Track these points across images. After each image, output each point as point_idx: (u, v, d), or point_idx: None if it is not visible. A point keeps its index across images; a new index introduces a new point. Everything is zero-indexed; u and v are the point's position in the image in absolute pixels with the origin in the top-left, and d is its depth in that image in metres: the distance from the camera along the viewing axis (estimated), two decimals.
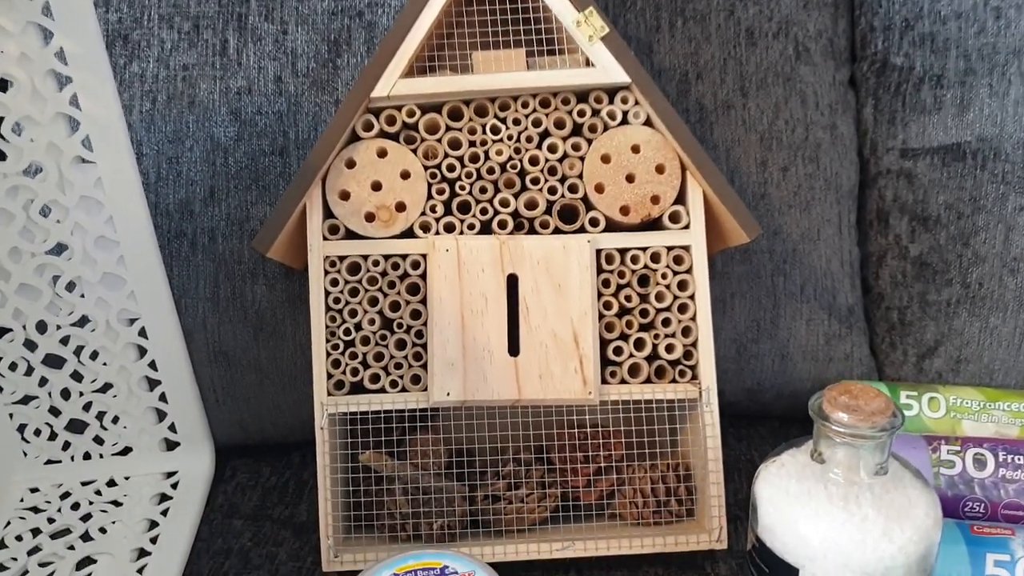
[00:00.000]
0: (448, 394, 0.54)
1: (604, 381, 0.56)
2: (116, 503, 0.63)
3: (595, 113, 0.57)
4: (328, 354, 0.56)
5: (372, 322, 0.56)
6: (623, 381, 0.56)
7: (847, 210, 0.74)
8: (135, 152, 0.67)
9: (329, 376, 0.55)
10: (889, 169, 0.75)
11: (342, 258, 0.56)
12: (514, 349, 0.55)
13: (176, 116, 0.68)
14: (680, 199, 0.57)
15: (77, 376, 0.64)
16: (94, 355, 0.64)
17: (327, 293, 0.56)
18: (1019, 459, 0.58)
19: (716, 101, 0.71)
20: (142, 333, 0.64)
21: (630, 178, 0.57)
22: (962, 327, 0.71)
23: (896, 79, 0.74)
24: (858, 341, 0.73)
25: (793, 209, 0.71)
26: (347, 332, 0.56)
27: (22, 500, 0.64)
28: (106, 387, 0.65)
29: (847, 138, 0.75)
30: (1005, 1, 0.69)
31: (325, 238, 0.56)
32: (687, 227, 0.57)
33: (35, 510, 0.62)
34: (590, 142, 0.57)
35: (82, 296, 0.63)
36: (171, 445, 0.67)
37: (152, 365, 0.65)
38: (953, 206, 0.71)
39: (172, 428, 0.67)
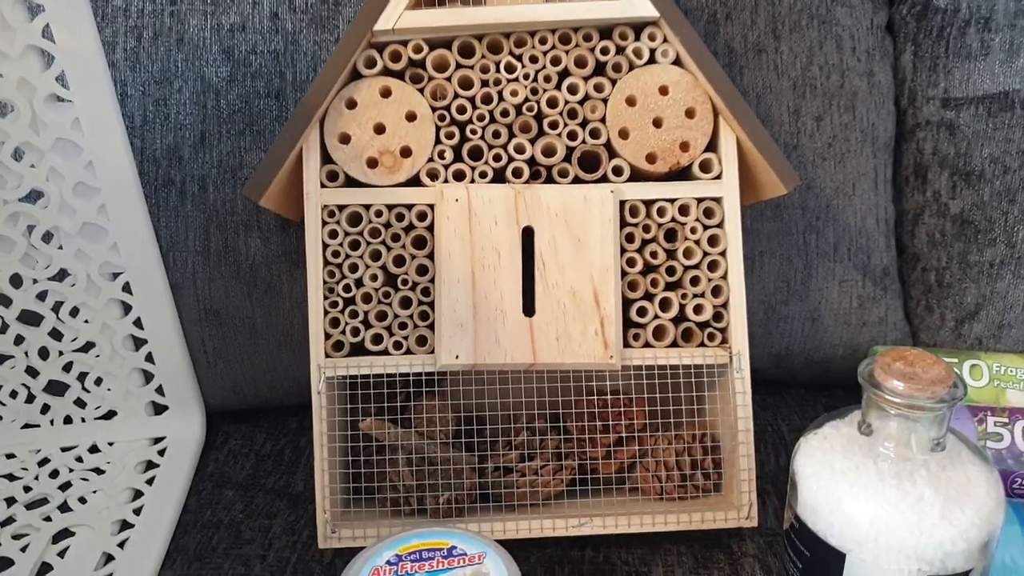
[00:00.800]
0: (457, 357, 0.49)
1: (627, 344, 0.51)
2: (98, 471, 0.59)
3: (620, 51, 0.52)
4: (326, 312, 0.51)
5: (374, 278, 0.51)
6: (647, 344, 0.51)
7: (883, 164, 0.69)
8: (119, 94, 0.62)
9: (327, 336, 0.51)
10: (929, 120, 0.69)
11: (341, 207, 0.51)
12: (529, 309, 0.50)
13: (163, 54, 0.62)
14: (711, 146, 0.53)
15: (56, 334, 0.60)
16: (74, 312, 0.60)
17: (325, 246, 0.51)
18: None
19: (746, 44, 0.66)
20: (126, 288, 0.60)
21: (657, 123, 0.52)
22: (1006, 290, 0.67)
23: (939, 22, 0.69)
24: (893, 304, 0.68)
25: (827, 161, 0.66)
26: (347, 288, 0.51)
27: None
28: (88, 346, 0.61)
29: (884, 86, 0.69)
30: None
31: (323, 185, 0.51)
32: (719, 177, 0.52)
33: (10, 477, 0.58)
34: (614, 83, 0.52)
35: (60, 248, 0.58)
36: (159, 409, 0.63)
37: (137, 323, 0.61)
38: (999, 159, 0.66)
39: (159, 391, 0.63)
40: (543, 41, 0.52)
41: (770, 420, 0.66)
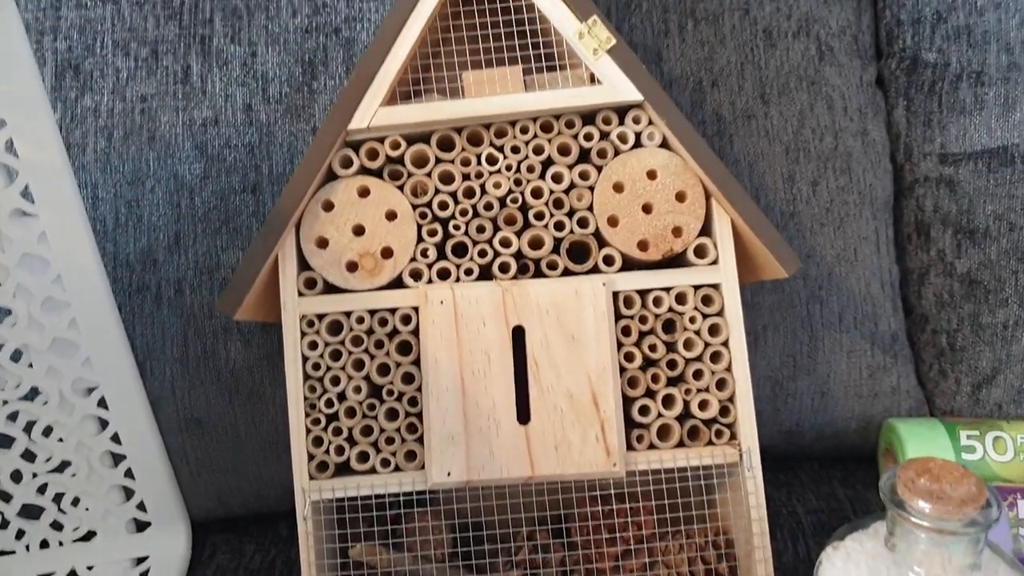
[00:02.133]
0: (449, 474, 0.46)
1: (630, 447, 0.48)
2: None
3: (604, 136, 0.50)
4: (308, 430, 0.48)
5: (358, 390, 0.48)
6: (651, 446, 0.49)
7: (884, 224, 0.67)
8: (89, 197, 0.60)
9: (310, 457, 0.48)
10: (927, 176, 0.67)
11: (321, 316, 0.49)
12: (524, 416, 0.47)
13: (135, 154, 0.61)
14: (706, 230, 0.50)
15: (29, 455, 0.57)
16: (47, 431, 0.57)
17: (305, 359, 0.48)
18: None
19: (735, 110, 0.64)
20: (102, 403, 0.57)
21: (647, 208, 0.50)
22: (1023, 353, 0.64)
23: (929, 77, 0.67)
24: (904, 371, 0.66)
25: (826, 227, 0.64)
26: (329, 403, 0.48)
27: None
28: (63, 466, 0.58)
29: (879, 144, 0.67)
30: None
31: (301, 294, 0.49)
32: (715, 262, 0.50)
33: None
34: (600, 169, 0.50)
35: (30, 366, 0.55)
36: (141, 526, 0.60)
37: (115, 438, 0.58)
38: (1004, 216, 0.64)
39: (141, 507, 0.59)
40: (524, 130, 0.50)
41: (784, 501, 0.63)
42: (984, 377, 0.65)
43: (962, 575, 0.36)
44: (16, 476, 0.57)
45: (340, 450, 0.48)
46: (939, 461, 0.37)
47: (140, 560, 0.59)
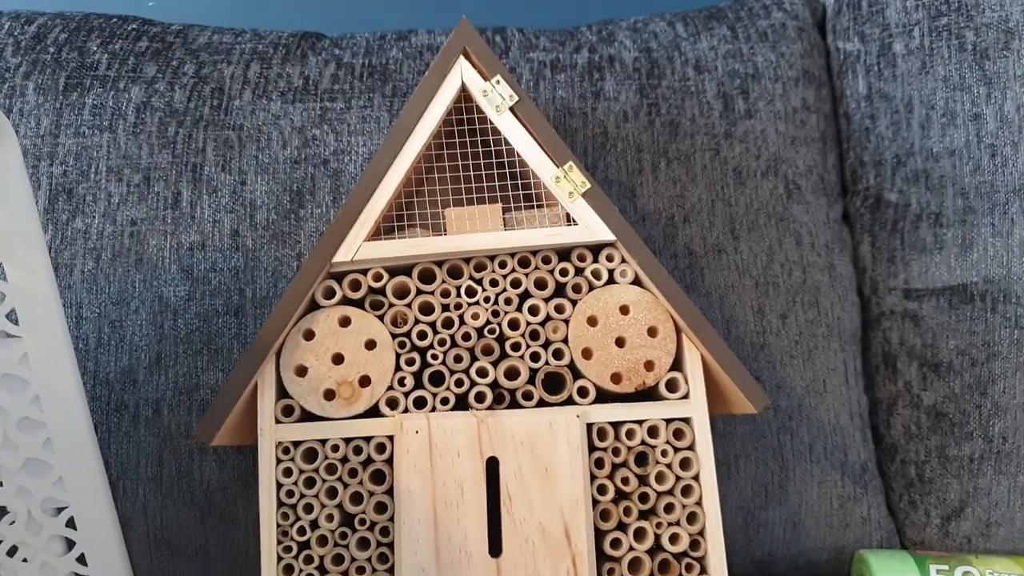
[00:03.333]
0: None
1: None
2: None
3: (579, 272, 0.52)
4: (280, 558, 0.48)
5: (330, 518, 0.49)
6: None
7: (852, 356, 0.69)
8: (73, 316, 0.61)
9: None
10: (893, 310, 0.70)
11: (297, 444, 0.49)
12: (495, 548, 0.47)
13: (121, 275, 0.62)
14: (677, 365, 0.52)
15: None
16: (12, 551, 0.56)
17: (279, 485, 0.49)
18: None
19: (706, 244, 0.66)
20: (70, 523, 0.56)
21: (620, 342, 0.51)
22: (989, 486, 0.65)
23: (892, 216, 0.71)
24: (875, 502, 0.66)
25: (796, 359, 0.66)
26: (301, 531, 0.48)
27: None
28: None
29: (846, 278, 0.70)
30: (999, 139, 0.66)
31: (278, 420, 0.50)
32: (686, 396, 0.51)
33: None
34: (575, 303, 0.52)
35: (0, 485, 0.55)
36: None
37: (81, 559, 0.57)
38: (966, 352, 0.66)
39: None
40: (503, 265, 0.52)
41: None
42: (953, 510, 0.66)
43: None
44: None
45: None
46: None
47: None
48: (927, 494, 0.67)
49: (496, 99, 0.51)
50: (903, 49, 0.70)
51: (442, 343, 0.51)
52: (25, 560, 0.56)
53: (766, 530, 0.64)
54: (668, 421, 0.51)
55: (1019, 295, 0.65)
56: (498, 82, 0.51)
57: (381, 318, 0.51)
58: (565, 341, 0.51)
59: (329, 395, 0.50)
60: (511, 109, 0.51)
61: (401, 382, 0.50)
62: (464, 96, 0.52)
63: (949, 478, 0.66)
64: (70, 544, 0.57)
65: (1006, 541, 0.65)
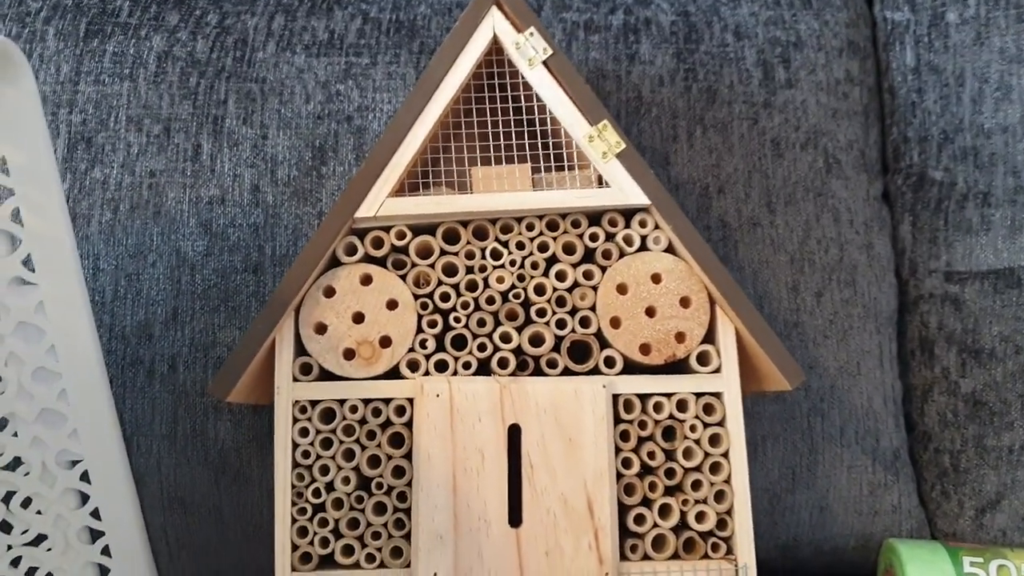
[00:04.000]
0: (435, 574, 0.45)
1: (623, 557, 0.47)
2: None
3: (609, 237, 0.50)
4: (293, 519, 0.47)
5: (346, 481, 0.47)
6: (646, 557, 0.47)
7: (888, 339, 0.66)
8: (90, 268, 0.59)
9: (294, 547, 0.46)
10: (932, 293, 0.67)
11: (314, 403, 0.48)
12: (516, 518, 0.46)
13: (139, 227, 0.61)
14: (709, 337, 0.50)
15: (5, 527, 0.55)
16: (26, 502, 0.55)
17: (295, 445, 0.47)
18: None
19: (741, 217, 0.64)
20: (84, 477, 0.55)
21: (650, 312, 0.49)
22: None
23: (936, 195, 0.68)
24: (906, 490, 0.64)
25: (829, 339, 0.63)
26: (316, 493, 0.47)
27: None
28: (39, 539, 0.56)
29: (884, 258, 0.68)
30: None
31: (295, 379, 0.48)
32: (718, 371, 0.49)
33: None
34: (604, 270, 0.49)
35: (15, 435, 0.54)
36: None
37: (95, 514, 0.56)
38: (1010, 338, 0.64)
39: None
40: (530, 227, 0.50)
41: None
42: (988, 502, 0.63)
43: None
44: None
45: (325, 542, 0.47)
46: None
47: None
48: (961, 484, 0.64)
49: (529, 52, 0.49)
50: (956, 18, 0.67)
51: (465, 306, 0.49)
52: (39, 512, 0.56)
53: (792, 514, 0.63)
54: (698, 395, 0.49)
55: None
56: (532, 34, 0.49)
57: (403, 278, 0.49)
58: (593, 309, 0.49)
59: (349, 354, 0.48)
60: (544, 63, 0.49)
61: (422, 344, 0.49)
62: (495, 49, 0.50)
63: (986, 469, 0.63)
64: (84, 498, 0.57)
65: None
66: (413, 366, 0.49)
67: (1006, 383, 0.63)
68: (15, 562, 0.56)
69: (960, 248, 0.66)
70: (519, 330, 0.49)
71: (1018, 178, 0.64)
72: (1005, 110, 0.65)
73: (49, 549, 0.56)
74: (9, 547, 0.56)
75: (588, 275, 0.50)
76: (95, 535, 0.57)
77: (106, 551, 0.57)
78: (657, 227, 0.50)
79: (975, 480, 0.64)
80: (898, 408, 0.66)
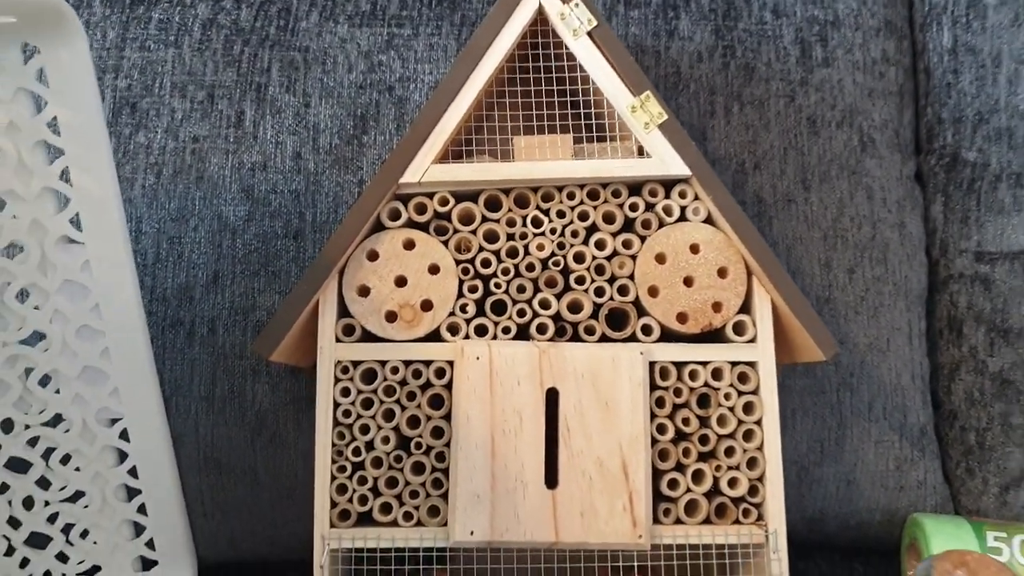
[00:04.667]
0: (472, 533, 0.46)
1: (656, 520, 0.47)
2: None
3: (649, 207, 0.50)
4: (333, 477, 0.48)
5: (386, 440, 0.48)
6: (678, 521, 0.48)
7: (917, 317, 0.67)
8: (133, 230, 0.61)
9: (333, 504, 0.48)
10: (962, 273, 0.68)
11: (356, 363, 0.49)
12: (552, 480, 0.47)
13: (182, 192, 0.62)
14: (745, 308, 0.50)
15: (44, 483, 0.56)
16: (65, 459, 0.56)
17: (336, 404, 0.48)
18: None
19: (776, 193, 0.64)
20: (123, 435, 0.56)
21: (688, 281, 0.50)
22: None
23: (969, 175, 0.68)
24: (932, 467, 0.65)
25: (860, 315, 0.64)
26: (356, 452, 0.48)
27: None
28: (77, 496, 0.57)
29: (915, 237, 0.68)
30: None
31: (338, 339, 0.49)
32: (753, 340, 0.50)
33: None
34: (643, 239, 0.50)
35: (57, 392, 0.55)
36: (147, 564, 0.59)
37: (132, 472, 0.57)
38: None
39: (150, 544, 0.58)
40: (571, 196, 0.50)
41: None
42: (1012, 479, 0.64)
43: None
44: (28, 503, 0.56)
45: (363, 500, 0.48)
46: (975, 554, 0.36)
47: None
48: (986, 462, 0.65)
49: (574, 22, 0.50)
50: (995, 0, 0.67)
51: (505, 272, 0.50)
52: (78, 469, 0.57)
53: (819, 487, 0.63)
54: (733, 364, 0.49)
55: None
56: (577, 5, 0.50)
57: (445, 243, 0.50)
58: (631, 277, 0.50)
59: (391, 317, 0.49)
60: (589, 34, 0.50)
61: (463, 309, 0.50)
62: (540, 19, 0.50)
63: (1012, 447, 0.64)
64: (122, 456, 0.58)
65: None
66: (453, 330, 0.49)
67: None
68: (52, 518, 0.58)
69: (991, 229, 0.66)
70: (558, 297, 0.50)
71: None
72: None
73: (86, 506, 0.58)
74: (47, 503, 0.57)
75: (627, 244, 0.50)
76: (132, 493, 0.58)
77: (142, 509, 0.58)
78: (697, 198, 0.50)
79: (1000, 458, 0.64)
80: (925, 385, 0.66)
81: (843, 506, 0.64)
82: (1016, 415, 0.64)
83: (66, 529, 0.57)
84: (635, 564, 0.48)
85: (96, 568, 0.58)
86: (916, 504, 0.64)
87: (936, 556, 0.37)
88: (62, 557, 0.58)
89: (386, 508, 0.48)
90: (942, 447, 0.68)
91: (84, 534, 0.58)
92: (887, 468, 0.63)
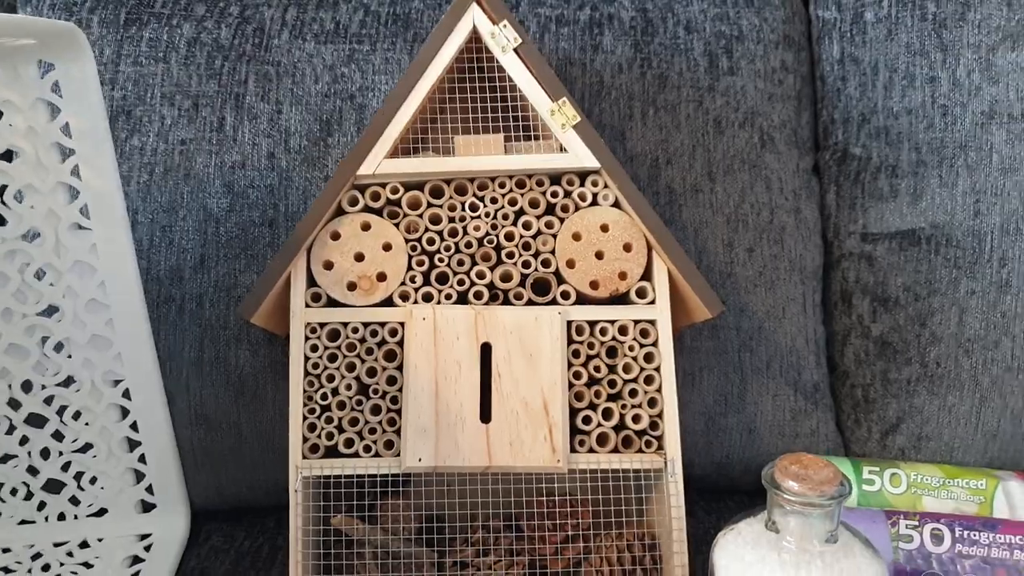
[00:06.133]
0: (420, 460, 0.56)
1: (573, 450, 0.57)
2: (87, 565, 0.63)
3: (567, 194, 0.61)
4: (304, 417, 0.57)
5: (349, 387, 0.58)
6: (591, 450, 0.58)
7: (812, 290, 0.77)
8: (130, 220, 0.70)
9: (305, 440, 0.57)
10: (851, 252, 0.78)
11: (323, 325, 0.59)
12: (486, 416, 0.57)
13: (172, 187, 0.71)
14: (647, 276, 0.61)
15: (58, 435, 0.66)
16: (77, 415, 0.66)
17: (306, 358, 0.58)
18: (975, 535, 0.60)
19: (685, 185, 0.75)
20: (125, 394, 0.66)
21: (599, 255, 0.60)
22: (922, 405, 0.74)
23: (855, 168, 0.79)
24: (824, 417, 0.75)
25: (759, 288, 0.74)
26: (324, 397, 0.58)
27: None
28: (86, 447, 0.66)
29: (811, 222, 0.79)
30: (951, 99, 0.74)
31: (307, 305, 0.59)
32: (653, 302, 0.60)
33: (5, 571, 0.63)
34: (562, 221, 0.60)
35: (69, 357, 0.64)
36: (147, 507, 0.68)
37: (133, 426, 0.67)
38: (910, 288, 0.75)
39: (149, 490, 0.68)
40: (502, 185, 0.60)
41: (713, 524, 0.72)
42: (890, 426, 0.75)
43: (823, 543, 0.45)
44: (45, 453, 0.66)
45: (330, 436, 0.57)
46: (809, 456, 0.46)
47: (144, 536, 0.67)
48: (870, 413, 0.76)
49: (502, 41, 0.60)
50: (873, 17, 0.78)
51: (448, 249, 0.60)
52: (87, 424, 0.66)
53: (725, 435, 0.74)
54: (636, 322, 0.59)
55: (959, 239, 0.74)
56: (505, 26, 0.60)
57: (397, 225, 0.60)
58: (552, 252, 0.60)
59: (351, 287, 0.59)
60: (515, 50, 0.60)
61: (412, 280, 0.59)
62: (475, 37, 0.61)
63: (889, 398, 0.75)
64: (124, 412, 0.67)
65: (935, 453, 0.74)
66: (404, 296, 0.59)
67: (906, 326, 0.74)
68: (65, 467, 0.67)
69: (873, 213, 0.77)
70: (492, 269, 0.60)
71: (919, 153, 0.75)
72: (910, 96, 0.76)
73: (95, 456, 0.67)
74: (61, 453, 0.66)
75: (549, 225, 0.60)
76: (133, 445, 0.68)
77: (142, 459, 0.68)
78: (606, 186, 0.61)
79: (880, 408, 0.75)
80: (820, 349, 0.77)
81: (746, 451, 0.74)
82: (893, 371, 0.75)
83: (77, 476, 0.67)
84: (556, 486, 0.58)
85: (103, 510, 0.68)
86: (810, 450, 0.75)
87: (780, 457, 0.47)
88: (74, 501, 0.67)
89: (349, 443, 0.57)
90: (836, 402, 0.78)
91: (93, 480, 0.67)
92: (784, 419, 0.74)
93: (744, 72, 0.78)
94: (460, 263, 0.60)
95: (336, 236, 0.59)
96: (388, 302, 0.59)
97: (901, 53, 0.76)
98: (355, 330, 0.58)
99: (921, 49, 0.76)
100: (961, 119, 0.74)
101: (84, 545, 0.66)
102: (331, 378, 0.58)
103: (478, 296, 0.60)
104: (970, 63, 0.74)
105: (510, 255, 0.60)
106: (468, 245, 0.60)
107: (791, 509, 0.45)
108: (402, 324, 0.58)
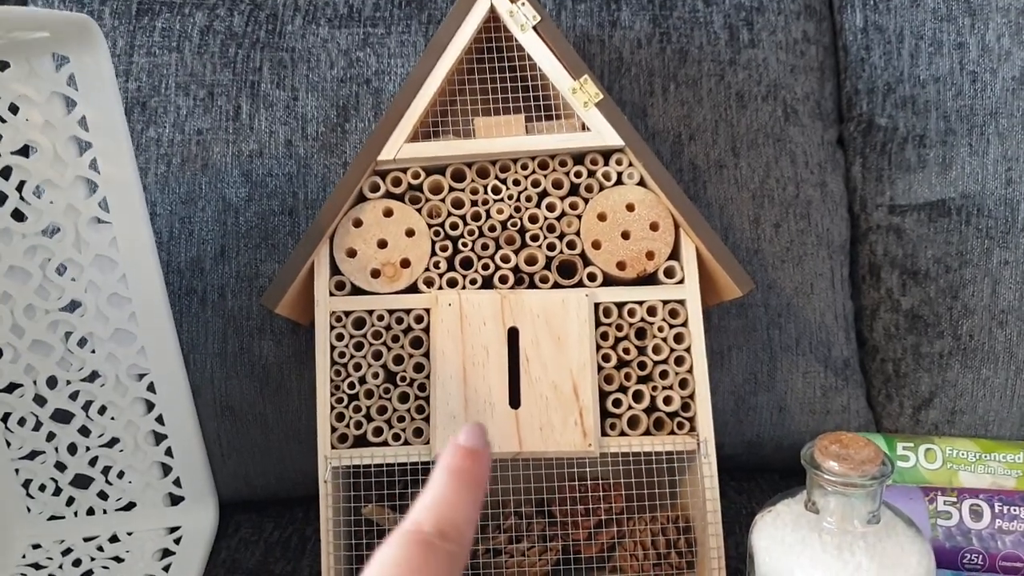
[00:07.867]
0: None
1: (604, 433, 0.57)
2: (118, 559, 0.64)
3: (591, 174, 0.59)
4: (332, 407, 0.57)
5: (376, 375, 0.57)
6: (622, 433, 0.57)
7: (839, 264, 0.76)
8: (149, 212, 0.69)
9: (333, 429, 0.57)
10: (879, 225, 0.77)
11: (347, 313, 0.58)
12: (515, 401, 0.56)
13: (189, 178, 0.70)
14: (674, 255, 0.59)
15: (84, 431, 0.65)
16: (102, 410, 0.65)
17: (332, 347, 0.57)
18: (1015, 510, 0.59)
19: (709, 161, 0.74)
20: (150, 388, 0.66)
21: (625, 235, 0.59)
22: (955, 379, 0.73)
23: (881, 139, 0.77)
24: (855, 393, 0.74)
25: (786, 264, 0.73)
26: (351, 385, 0.57)
27: (24, 556, 0.65)
28: (113, 441, 0.66)
29: (837, 195, 0.77)
30: (980, 66, 0.73)
31: (331, 294, 0.58)
32: (681, 282, 0.59)
33: (36, 567, 0.63)
34: (587, 201, 0.59)
35: (93, 352, 0.64)
36: (175, 500, 0.68)
37: (159, 419, 0.66)
38: (941, 260, 0.73)
39: (177, 483, 0.68)
40: (525, 167, 0.59)
41: (745, 504, 0.71)
42: (923, 400, 0.74)
43: (865, 524, 0.44)
44: (72, 448, 0.65)
45: (358, 425, 0.57)
46: (849, 434, 0.45)
47: (173, 529, 0.67)
48: (902, 387, 0.75)
49: (521, 19, 0.58)
50: None
51: (471, 233, 0.59)
52: (113, 418, 0.66)
53: (755, 414, 0.73)
54: (665, 302, 0.59)
55: (991, 208, 0.72)
56: (523, 4, 0.58)
57: (419, 210, 0.59)
58: (578, 234, 0.59)
59: (375, 274, 0.58)
60: (534, 28, 0.58)
61: (436, 265, 0.59)
62: (493, 16, 0.59)
63: (921, 372, 0.74)
64: (150, 406, 0.67)
65: (968, 427, 0.73)
66: (429, 283, 0.58)
67: (937, 298, 0.73)
68: (92, 461, 0.67)
69: (901, 184, 0.76)
70: (516, 252, 0.59)
71: (948, 122, 0.74)
72: (937, 63, 0.74)
73: (121, 450, 0.67)
74: (88, 448, 0.66)
75: (574, 206, 0.59)
76: (159, 438, 0.68)
77: (169, 452, 0.68)
78: (631, 164, 0.59)
79: (912, 383, 0.74)
80: (849, 324, 0.76)
81: (777, 430, 0.73)
82: (924, 345, 0.74)
83: (105, 471, 0.67)
84: (588, 470, 0.57)
85: (132, 504, 0.68)
86: (842, 426, 0.74)
87: (819, 436, 0.46)
88: (103, 495, 0.67)
89: (378, 431, 0.57)
90: (867, 378, 0.77)
91: (120, 475, 0.67)
92: (814, 395, 0.73)
93: (765, 44, 0.76)
94: (484, 247, 0.59)
95: (358, 223, 0.59)
96: (413, 288, 0.59)
97: (928, 19, 0.74)
98: (380, 317, 0.58)
99: (948, 14, 0.74)
100: (991, 85, 0.72)
101: (114, 539, 0.66)
102: (358, 367, 0.57)
103: (503, 280, 0.59)
104: (1000, 27, 0.72)
105: (535, 238, 0.59)
106: (492, 229, 0.59)
107: (832, 490, 0.44)
108: (428, 310, 0.58)
